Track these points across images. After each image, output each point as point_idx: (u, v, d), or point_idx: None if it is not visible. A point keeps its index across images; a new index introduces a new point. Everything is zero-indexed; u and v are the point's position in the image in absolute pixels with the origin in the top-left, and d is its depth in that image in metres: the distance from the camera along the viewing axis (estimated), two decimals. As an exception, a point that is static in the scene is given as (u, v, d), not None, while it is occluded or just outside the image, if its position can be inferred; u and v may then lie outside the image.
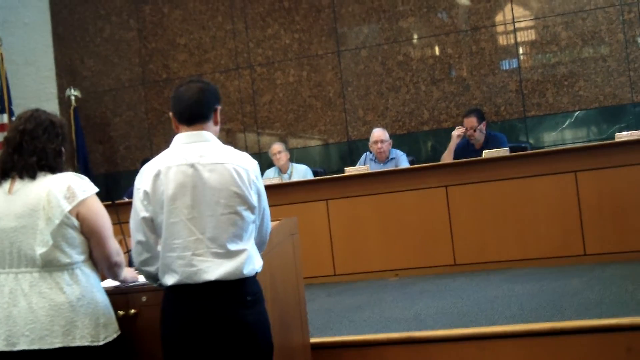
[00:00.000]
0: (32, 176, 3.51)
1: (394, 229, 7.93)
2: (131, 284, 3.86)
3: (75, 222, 3.47)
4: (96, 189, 3.58)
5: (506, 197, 7.65)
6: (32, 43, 11.96)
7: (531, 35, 10.23)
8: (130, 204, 3.54)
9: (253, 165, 3.56)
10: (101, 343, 3.48)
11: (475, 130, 8.59)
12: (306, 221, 7.07)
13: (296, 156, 10.63)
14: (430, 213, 7.85)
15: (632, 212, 7.29)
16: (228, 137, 11.15)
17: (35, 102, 10.88)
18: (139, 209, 3.45)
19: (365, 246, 8.00)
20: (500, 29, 10.28)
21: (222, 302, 3.38)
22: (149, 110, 11.67)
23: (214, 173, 3.42)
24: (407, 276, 7.69)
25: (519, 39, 10.21)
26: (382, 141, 8.87)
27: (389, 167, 8.72)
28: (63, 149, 3.64)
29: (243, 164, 3.50)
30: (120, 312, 3.71)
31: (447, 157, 8.68)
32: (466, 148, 8.69)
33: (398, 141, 9.90)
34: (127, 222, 3.58)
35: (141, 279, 3.83)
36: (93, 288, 3.53)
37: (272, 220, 3.81)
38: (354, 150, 10.62)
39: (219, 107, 3.64)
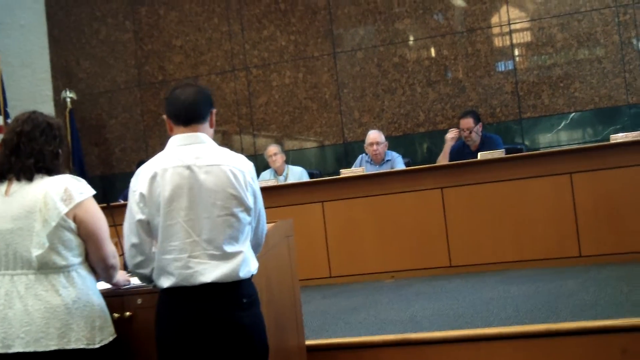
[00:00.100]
0: (29, 178, 3.51)
1: (389, 230, 7.94)
2: (124, 287, 3.85)
3: (72, 225, 3.46)
4: (93, 192, 3.58)
5: (502, 199, 7.65)
6: (28, 45, 11.95)
7: (527, 36, 10.24)
8: (126, 206, 3.53)
9: (249, 167, 3.56)
10: (97, 346, 3.47)
11: (471, 132, 8.59)
12: (302, 223, 7.06)
13: (292, 158, 10.63)
14: (426, 215, 7.85)
15: (628, 214, 7.30)
16: (224, 139, 11.15)
17: (30, 104, 10.87)
18: (135, 211, 3.44)
19: (360, 248, 8.00)
20: (496, 30, 10.29)
21: (218, 304, 3.38)
22: (145, 112, 11.66)
23: (210, 175, 3.42)
24: (403, 278, 7.69)
25: (514, 41, 10.22)
26: (377, 143, 8.87)
27: (385, 168, 8.73)
28: (60, 151, 3.63)
29: (239, 165, 3.51)
30: (116, 315, 3.70)
31: (443, 160, 8.70)
32: (462, 150, 8.70)
33: (394, 143, 9.90)
34: (122, 225, 3.57)
35: (133, 281, 3.84)
36: (89, 290, 3.53)
37: (267, 222, 3.80)
38: (349, 152, 10.63)
39: (214, 111, 3.65)
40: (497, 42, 10.31)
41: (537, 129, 10.04)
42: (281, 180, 9.28)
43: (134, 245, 3.45)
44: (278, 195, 8.15)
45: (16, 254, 3.45)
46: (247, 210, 3.48)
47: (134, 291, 3.82)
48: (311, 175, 9.52)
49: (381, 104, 10.59)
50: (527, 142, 9.91)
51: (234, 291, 3.42)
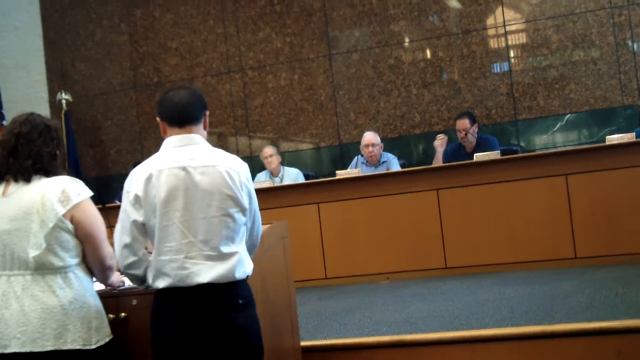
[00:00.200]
0: (27, 179, 3.51)
1: (385, 232, 7.94)
2: (119, 288, 3.85)
3: (70, 226, 3.46)
4: (90, 193, 3.58)
5: (497, 200, 7.66)
6: (23, 47, 11.95)
7: (522, 38, 10.26)
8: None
9: (244, 167, 3.57)
10: (93, 347, 3.47)
11: (466, 133, 8.60)
12: (297, 224, 7.08)
13: (288, 159, 10.63)
14: (421, 216, 7.86)
15: (623, 215, 7.31)
16: (219, 141, 11.15)
17: (26, 106, 10.85)
18: (130, 212, 3.43)
19: (356, 249, 8.00)
20: (491, 32, 10.30)
21: (214, 305, 3.37)
22: (140, 113, 11.66)
23: (206, 176, 3.42)
24: (398, 279, 7.70)
25: (510, 42, 10.23)
26: (373, 145, 8.87)
27: (381, 170, 8.72)
28: (58, 153, 3.63)
29: (234, 166, 3.51)
30: (111, 316, 3.69)
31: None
32: (457, 151, 8.71)
33: (389, 144, 9.91)
34: (116, 226, 3.57)
35: (128, 282, 3.83)
36: (86, 292, 3.53)
37: (263, 224, 3.81)
38: (345, 153, 10.63)
39: (207, 112, 3.65)
40: (493, 43, 10.32)
41: (533, 131, 10.05)
42: (277, 182, 9.28)
43: (126, 246, 3.44)
44: (274, 197, 8.16)
45: (13, 254, 3.45)
46: (243, 210, 3.49)
47: (129, 292, 3.81)
48: (307, 177, 9.51)
49: (377, 105, 10.60)
50: (522, 144, 9.93)
51: (229, 292, 3.41)
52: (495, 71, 10.24)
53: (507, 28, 10.19)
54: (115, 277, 3.80)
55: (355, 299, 6.93)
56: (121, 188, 3.55)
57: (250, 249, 3.65)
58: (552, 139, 9.95)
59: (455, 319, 5.57)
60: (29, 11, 12.03)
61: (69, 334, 3.42)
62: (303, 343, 5.00)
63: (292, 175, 9.48)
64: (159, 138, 3.59)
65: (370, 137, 8.96)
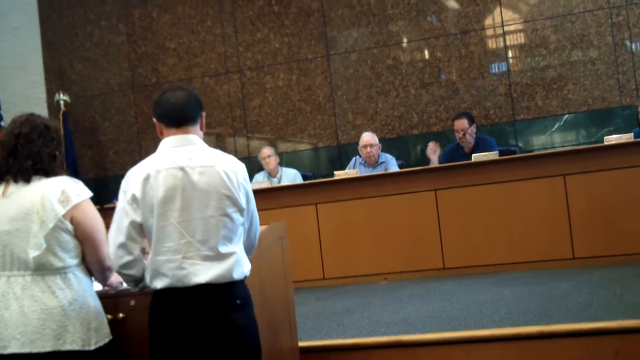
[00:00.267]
0: (27, 180, 3.52)
1: (383, 232, 7.94)
2: (117, 288, 3.85)
3: (69, 226, 3.47)
4: (90, 193, 3.59)
5: (495, 201, 7.66)
6: (21, 47, 11.94)
7: (520, 38, 10.26)
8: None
9: (241, 167, 3.57)
10: (92, 348, 3.48)
11: (465, 133, 8.60)
12: (295, 225, 7.08)
13: (286, 160, 10.63)
14: (419, 217, 7.86)
15: (621, 216, 7.31)
16: (218, 142, 11.15)
17: (24, 106, 10.84)
18: (127, 212, 3.43)
19: (354, 250, 8.01)
20: (489, 32, 10.30)
21: (212, 306, 3.38)
22: (139, 114, 11.65)
23: (204, 176, 3.42)
24: (396, 280, 7.70)
25: (508, 43, 10.23)
26: (371, 145, 8.87)
27: (379, 171, 8.73)
28: (57, 153, 3.64)
29: (232, 166, 3.52)
30: (109, 316, 3.70)
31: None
32: (455, 151, 8.71)
33: (387, 145, 9.91)
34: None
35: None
36: (85, 292, 3.53)
37: (261, 224, 3.81)
38: (343, 154, 10.63)
39: (204, 113, 3.66)
40: (491, 43, 10.32)
41: (531, 131, 10.05)
42: (275, 183, 9.28)
43: (122, 245, 3.43)
44: (272, 197, 8.16)
45: (13, 255, 3.45)
46: (240, 210, 3.49)
47: (127, 293, 3.81)
48: (305, 178, 9.51)
49: (375, 106, 10.59)
50: (520, 144, 9.93)
51: (227, 292, 3.42)
52: (494, 71, 10.23)
53: (505, 28, 10.19)
54: (115, 278, 3.80)
55: (353, 300, 6.93)
56: (119, 189, 3.55)
57: (248, 249, 3.66)
58: (550, 140, 9.95)
59: (453, 320, 5.57)
60: (27, 12, 12.02)
61: (69, 334, 3.43)
62: (301, 343, 5.00)
63: (290, 176, 9.48)
64: (157, 139, 3.59)
65: (368, 137, 8.96)
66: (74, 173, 10.85)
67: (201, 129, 3.63)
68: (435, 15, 10.45)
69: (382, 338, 5.21)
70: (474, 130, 8.71)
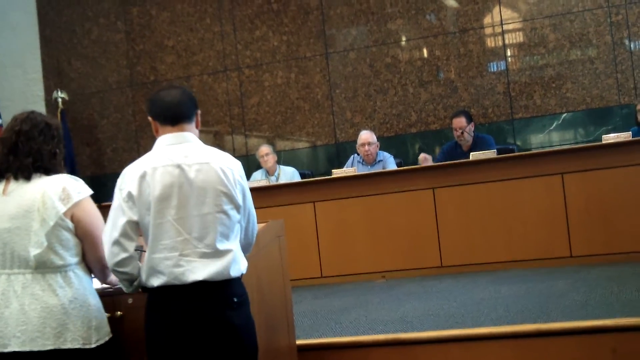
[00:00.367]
0: (27, 177, 3.52)
1: (381, 231, 7.94)
2: (116, 286, 3.85)
3: (70, 224, 3.47)
4: (90, 191, 3.60)
5: (493, 199, 7.66)
6: (19, 45, 11.93)
7: (519, 37, 10.25)
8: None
9: (237, 165, 3.58)
10: (93, 346, 3.48)
11: (463, 132, 8.60)
12: (293, 223, 7.07)
13: (284, 158, 10.63)
14: (417, 215, 7.86)
15: (618, 214, 7.32)
16: (216, 139, 11.13)
17: (22, 104, 10.86)
18: (123, 210, 3.42)
19: (352, 248, 8.00)
20: (488, 31, 10.30)
21: (208, 303, 3.38)
22: (137, 112, 11.65)
23: (200, 173, 3.42)
24: (394, 278, 7.70)
25: (507, 41, 10.23)
26: (369, 143, 8.87)
27: (377, 169, 8.72)
28: (58, 151, 3.65)
29: (228, 163, 3.52)
30: (107, 314, 3.70)
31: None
32: (454, 150, 8.71)
33: (386, 143, 9.91)
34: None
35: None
36: (86, 291, 3.54)
37: (258, 223, 3.81)
38: (341, 152, 10.63)
39: (199, 112, 3.66)
40: (490, 42, 10.32)
41: (529, 130, 10.05)
42: (273, 181, 9.27)
43: (117, 243, 3.41)
44: (269, 196, 8.15)
45: (13, 253, 3.46)
46: (237, 207, 3.50)
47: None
48: (303, 176, 9.52)
49: (373, 104, 10.59)
50: (519, 143, 9.93)
51: (224, 290, 3.42)
52: (492, 70, 10.23)
53: (504, 27, 10.19)
54: (114, 276, 3.80)
55: (351, 298, 6.93)
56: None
57: (246, 247, 3.66)
58: (548, 138, 9.95)
59: (450, 318, 5.57)
60: (25, 9, 12.01)
61: (69, 333, 3.43)
62: (299, 342, 5.01)
63: (288, 174, 9.48)
64: (155, 137, 3.59)
65: (366, 135, 8.95)
66: (72, 171, 10.73)
67: (197, 127, 3.63)
68: (434, 14, 10.45)
69: (380, 336, 5.21)
70: (472, 128, 8.71)
